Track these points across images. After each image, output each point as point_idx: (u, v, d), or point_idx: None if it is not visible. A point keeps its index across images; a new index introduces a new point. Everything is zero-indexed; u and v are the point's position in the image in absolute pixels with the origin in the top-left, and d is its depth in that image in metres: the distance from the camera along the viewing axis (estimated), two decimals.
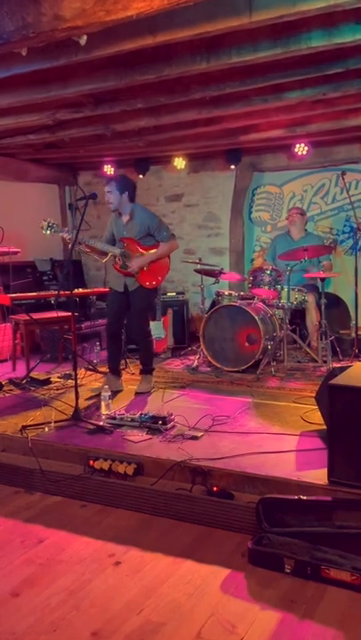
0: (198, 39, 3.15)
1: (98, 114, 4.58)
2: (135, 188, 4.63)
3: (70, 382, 4.66)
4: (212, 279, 5.90)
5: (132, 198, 4.58)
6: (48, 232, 4.50)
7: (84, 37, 2.83)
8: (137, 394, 4.66)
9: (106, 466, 3.32)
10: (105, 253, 4.66)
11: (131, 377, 5.11)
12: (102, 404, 4.11)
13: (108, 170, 7.23)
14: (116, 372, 4.94)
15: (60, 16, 2.61)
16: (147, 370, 4.84)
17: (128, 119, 4.85)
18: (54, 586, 2.48)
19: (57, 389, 4.87)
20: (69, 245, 4.35)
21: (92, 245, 4.57)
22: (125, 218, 4.61)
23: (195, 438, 3.58)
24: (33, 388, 4.91)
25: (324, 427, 3.38)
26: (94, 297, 6.44)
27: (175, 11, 2.66)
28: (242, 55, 3.31)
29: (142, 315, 4.69)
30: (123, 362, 5.26)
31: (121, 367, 5.06)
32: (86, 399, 4.53)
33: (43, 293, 5.80)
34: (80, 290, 5.90)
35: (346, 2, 2.61)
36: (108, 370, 4.98)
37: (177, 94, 4.13)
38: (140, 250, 4.57)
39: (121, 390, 4.82)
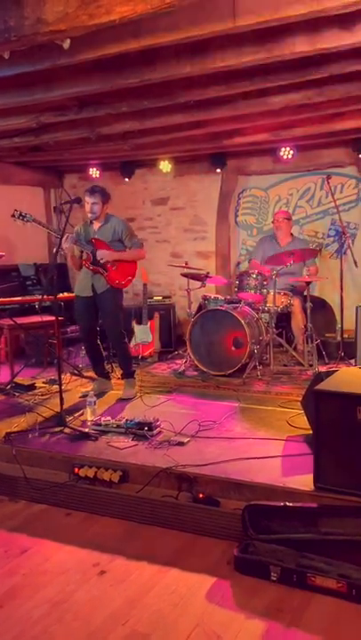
0: (182, 43, 3.13)
1: (83, 117, 4.55)
2: (110, 198, 4.71)
3: (55, 388, 4.62)
4: (199, 283, 5.89)
5: (107, 208, 4.67)
6: (20, 221, 4.46)
7: (68, 41, 2.80)
8: (122, 400, 4.62)
9: (91, 473, 3.28)
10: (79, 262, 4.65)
11: (117, 381, 5.08)
12: (88, 409, 4.08)
13: (94, 173, 7.19)
14: (103, 375, 4.94)
15: (43, 20, 2.59)
16: (127, 374, 4.81)
17: (113, 122, 4.82)
18: (37, 597, 2.44)
19: (42, 395, 4.82)
20: (54, 249, 4.32)
21: (80, 242, 4.52)
22: (97, 225, 4.64)
23: (181, 444, 3.56)
24: (17, 394, 4.85)
25: (310, 431, 3.38)
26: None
27: (159, 15, 2.63)
28: (226, 60, 3.29)
29: (114, 317, 4.65)
30: (109, 366, 5.23)
31: (107, 371, 5.04)
32: (73, 404, 4.48)
33: (27, 298, 5.74)
34: (65, 294, 5.85)
35: (329, 8, 2.61)
36: (94, 375, 4.98)
37: (162, 98, 4.10)
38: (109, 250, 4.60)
39: (111, 389, 4.88)
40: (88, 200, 4.54)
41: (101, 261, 4.51)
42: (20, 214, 4.44)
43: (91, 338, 4.77)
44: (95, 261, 4.53)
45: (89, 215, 4.60)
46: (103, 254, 4.52)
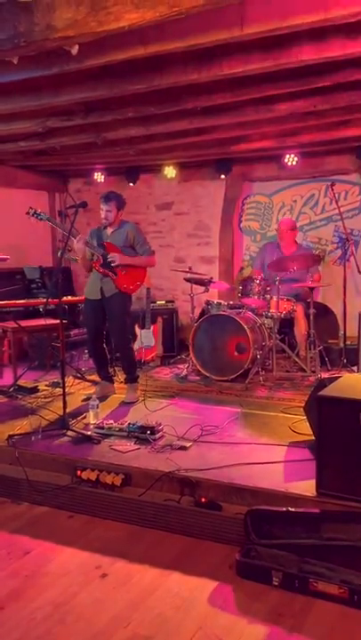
0: (190, 50, 3.16)
1: (89, 122, 4.58)
2: (125, 205, 4.75)
3: (58, 390, 4.63)
4: (202, 288, 5.91)
5: (122, 215, 4.71)
6: (34, 219, 4.48)
7: (76, 47, 2.82)
8: (124, 404, 4.63)
9: (93, 476, 3.29)
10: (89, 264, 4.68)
11: (119, 385, 5.09)
12: (90, 413, 4.09)
13: (99, 177, 7.24)
14: (106, 378, 4.96)
15: (52, 26, 2.61)
16: (131, 379, 4.82)
17: (119, 128, 4.85)
18: (40, 599, 2.45)
19: (45, 397, 4.83)
20: (59, 253, 4.35)
21: (90, 244, 4.56)
22: (111, 230, 4.68)
23: (183, 448, 3.56)
24: (20, 396, 4.87)
25: (313, 437, 3.38)
26: (82, 305, 6.41)
27: (167, 22, 2.66)
28: (233, 67, 3.32)
29: (120, 321, 4.67)
30: (112, 370, 5.24)
31: (110, 374, 5.06)
32: (75, 407, 4.49)
33: (32, 301, 5.76)
34: (69, 297, 5.88)
35: (336, 16, 2.63)
36: (98, 378, 5.00)
37: (168, 104, 4.13)
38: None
39: (114, 393, 4.89)
40: (103, 207, 4.59)
41: (112, 264, 4.54)
42: (35, 212, 4.47)
43: (97, 341, 4.79)
44: (105, 264, 4.55)
45: (103, 221, 4.64)
46: (114, 257, 4.54)
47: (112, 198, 4.59)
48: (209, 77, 3.49)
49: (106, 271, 4.56)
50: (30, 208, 4.50)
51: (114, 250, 4.58)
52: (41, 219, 4.49)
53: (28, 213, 4.47)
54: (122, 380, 5.01)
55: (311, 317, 5.23)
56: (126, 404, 4.61)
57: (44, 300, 5.70)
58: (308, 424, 3.62)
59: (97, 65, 3.19)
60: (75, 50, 2.85)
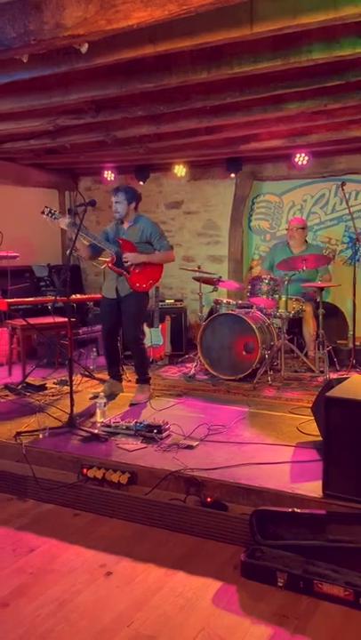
0: (199, 49, 3.15)
1: (99, 120, 4.59)
2: (140, 199, 4.70)
3: (66, 388, 4.64)
4: (211, 287, 5.90)
5: (136, 208, 4.66)
6: (48, 218, 4.43)
7: (86, 45, 2.83)
8: (132, 405, 4.60)
9: (99, 474, 3.29)
10: (96, 253, 4.67)
11: (127, 384, 5.09)
12: (97, 411, 4.09)
13: (109, 176, 7.25)
14: (115, 377, 4.96)
15: (62, 24, 2.62)
16: (142, 379, 4.79)
17: (129, 126, 4.86)
18: (44, 596, 2.45)
19: (52, 395, 4.85)
20: (69, 250, 4.33)
21: (92, 235, 4.53)
22: (126, 225, 4.65)
23: (190, 448, 3.56)
24: (28, 394, 4.88)
25: (320, 438, 3.37)
26: (92, 303, 6.44)
27: (176, 21, 2.65)
28: (242, 66, 3.31)
29: (134, 320, 4.65)
30: (120, 368, 5.24)
31: (120, 373, 5.06)
32: (83, 405, 4.50)
33: (40, 299, 5.79)
34: (77, 296, 5.90)
35: (347, 15, 2.61)
36: (107, 376, 5.00)
37: (177, 103, 4.14)
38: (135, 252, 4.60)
39: (122, 391, 4.90)
40: (112, 199, 4.58)
41: (126, 264, 4.52)
42: (50, 211, 4.43)
43: (110, 338, 4.79)
44: (119, 263, 4.54)
45: (114, 214, 4.62)
46: (129, 257, 4.52)
47: (121, 190, 4.57)
48: (218, 76, 3.49)
49: (119, 270, 4.54)
50: (45, 207, 4.43)
51: (128, 247, 4.56)
52: (55, 218, 4.44)
53: (43, 213, 4.41)
54: (130, 378, 5.00)
55: (320, 317, 5.20)
56: (133, 405, 4.59)
57: (53, 297, 5.71)
58: (315, 424, 3.61)
59: (106, 63, 3.20)
60: (84, 48, 2.85)
